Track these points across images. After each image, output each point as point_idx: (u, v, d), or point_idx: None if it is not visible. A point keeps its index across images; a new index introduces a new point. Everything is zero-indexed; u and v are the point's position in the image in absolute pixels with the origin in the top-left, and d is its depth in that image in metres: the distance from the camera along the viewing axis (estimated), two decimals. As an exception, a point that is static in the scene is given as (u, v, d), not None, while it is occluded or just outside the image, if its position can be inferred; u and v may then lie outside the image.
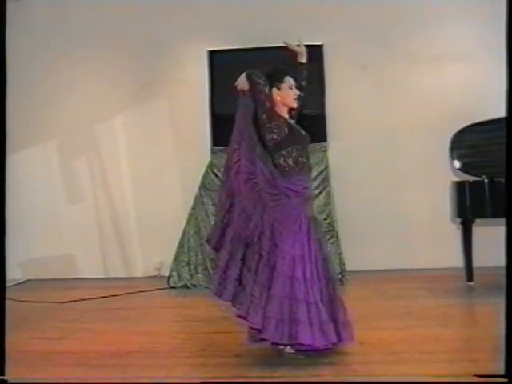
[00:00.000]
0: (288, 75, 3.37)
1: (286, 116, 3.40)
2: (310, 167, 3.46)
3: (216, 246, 3.44)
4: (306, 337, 3.12)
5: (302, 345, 3.18)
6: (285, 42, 3.51)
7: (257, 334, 3.25)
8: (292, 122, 3.42)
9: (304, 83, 3.54)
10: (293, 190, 3.26)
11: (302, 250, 3.22)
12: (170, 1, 6.39)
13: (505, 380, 2.24)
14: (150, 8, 6.41)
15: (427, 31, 6.12)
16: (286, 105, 3.37)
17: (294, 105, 3.39)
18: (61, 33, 6.57)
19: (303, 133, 3.41)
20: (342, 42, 6.15)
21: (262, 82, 3.30)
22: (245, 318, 3.22)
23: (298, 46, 3.53)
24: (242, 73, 3.41)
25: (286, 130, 3.30)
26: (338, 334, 3.22)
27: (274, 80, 3.36)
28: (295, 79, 3.41)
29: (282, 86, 3.35)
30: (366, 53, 6.21)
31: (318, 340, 3.15)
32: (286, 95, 3.35)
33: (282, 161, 3.27)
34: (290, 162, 3.28)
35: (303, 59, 3.53)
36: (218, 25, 6.30)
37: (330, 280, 3.32)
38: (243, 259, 3.30)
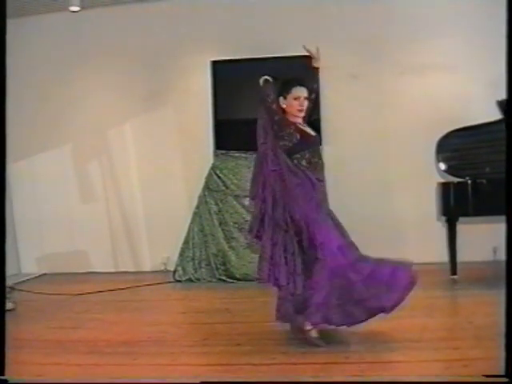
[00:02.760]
0: (297, 86, 3.35)
1: (300, 120, 3.40)
2: (323, 166, 3.41)
3: (258, 234, 3.40)
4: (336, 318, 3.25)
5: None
6: (304, 47, 3.48)
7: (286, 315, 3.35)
8: (304, 126, 3.40)
9: (316, 86, 3.59)
10: (310, 181, 3.28)
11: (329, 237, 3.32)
12: (176, 15, 6.39)
13: (505, 380, 2.21)
14: (157, 23, 6.43)
15: (414, 43, 6.12)
16: (290, 114, 3.37)
17: (298, 115, 3.36)
18: (76, 45, 6.57)
19: (314, 134, 3.42)
20: (335, 53, 6.13)
21: (270, 99, 3.31)
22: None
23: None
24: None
25: (298, 136, 3.31)
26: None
27: (283, 89, 3.37)
28: (309, 90, 3.39)
29: (288, 96, 3.36)
30: (357, 63, 6.21)
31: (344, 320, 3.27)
32: (290, 105, 3.36)
33: (296, 162, 3.30)
34: (303, 163, 3.31)
35: (318, 64, 3.52)
36: (220, 37, 6.30)
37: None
38: (284, 245, 3.27)
